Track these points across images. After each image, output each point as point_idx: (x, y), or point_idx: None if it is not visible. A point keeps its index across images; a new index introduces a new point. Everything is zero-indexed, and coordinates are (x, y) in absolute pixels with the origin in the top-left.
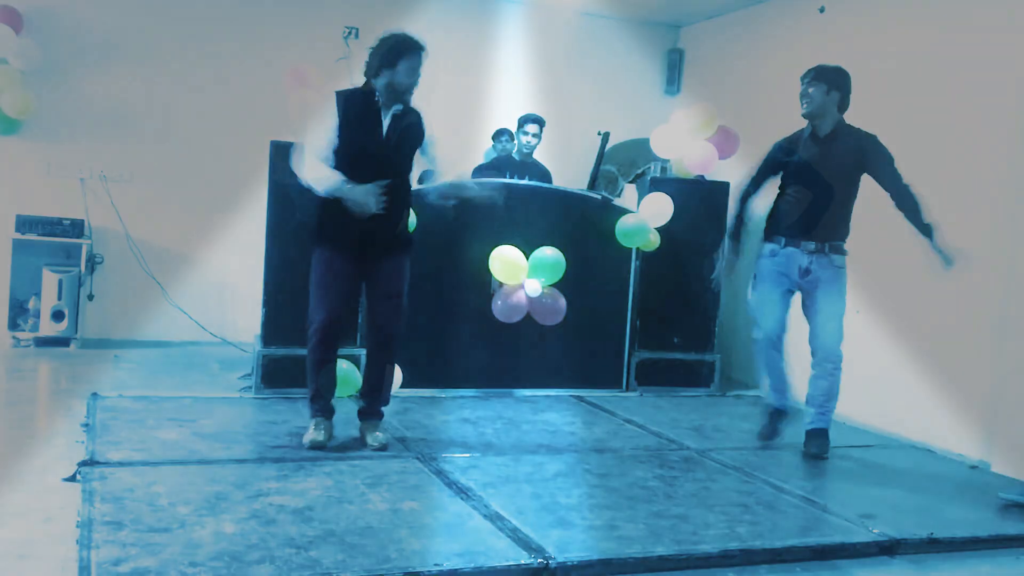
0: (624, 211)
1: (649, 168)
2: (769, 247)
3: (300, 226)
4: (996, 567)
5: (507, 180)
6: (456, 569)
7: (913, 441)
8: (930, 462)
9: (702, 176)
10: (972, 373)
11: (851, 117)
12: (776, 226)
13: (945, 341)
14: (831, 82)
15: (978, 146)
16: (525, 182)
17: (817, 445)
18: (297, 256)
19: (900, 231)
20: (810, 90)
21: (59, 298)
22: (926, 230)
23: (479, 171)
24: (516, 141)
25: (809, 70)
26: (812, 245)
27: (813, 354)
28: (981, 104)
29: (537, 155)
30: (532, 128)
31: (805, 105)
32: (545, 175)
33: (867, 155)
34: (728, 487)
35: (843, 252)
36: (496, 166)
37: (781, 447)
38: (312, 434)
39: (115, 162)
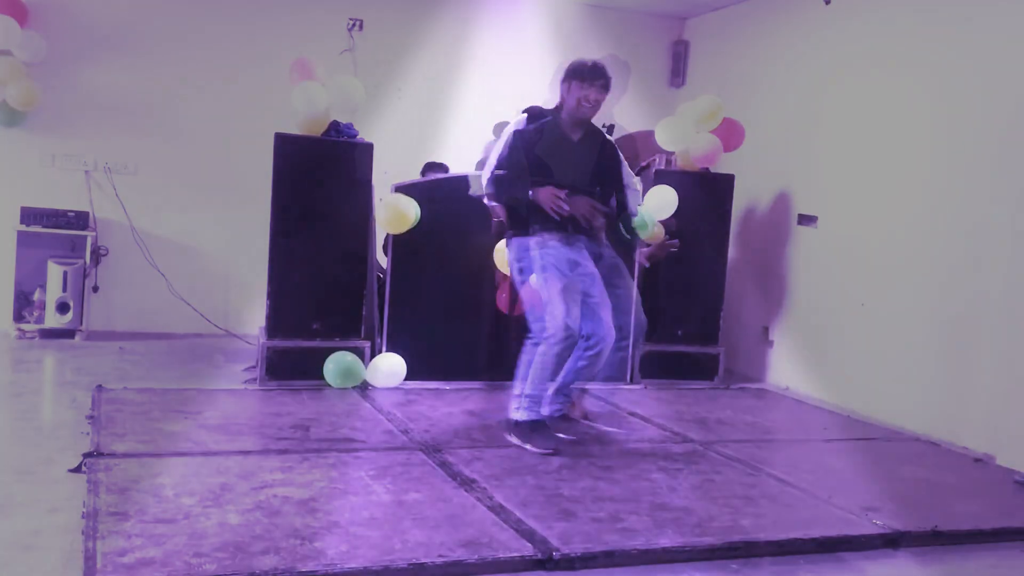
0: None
1: (654, 160)
2: (551, 235)
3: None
4: (1000, 560)
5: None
6: (460, 560)
7: (917, 434)
8: (934, 455)
9: (707, 168)
10: (977, 366)
11: (857, 110)
12: (548, 217)
13: (950, 334)
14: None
15: (985, 139)
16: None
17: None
18: (301, 249)
19: (904, 226)
20: (603, 98)
21: (64, 290)
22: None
23: (481, 165)
24: None
25: (602, 75)
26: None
27: (613, 337)
28: (988, 97)
29: None
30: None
31: (589, 111)
32: None
33: (609, 151)
34: (732, 479)
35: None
36: None
37: (788, 440)
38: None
39: (120, 154)
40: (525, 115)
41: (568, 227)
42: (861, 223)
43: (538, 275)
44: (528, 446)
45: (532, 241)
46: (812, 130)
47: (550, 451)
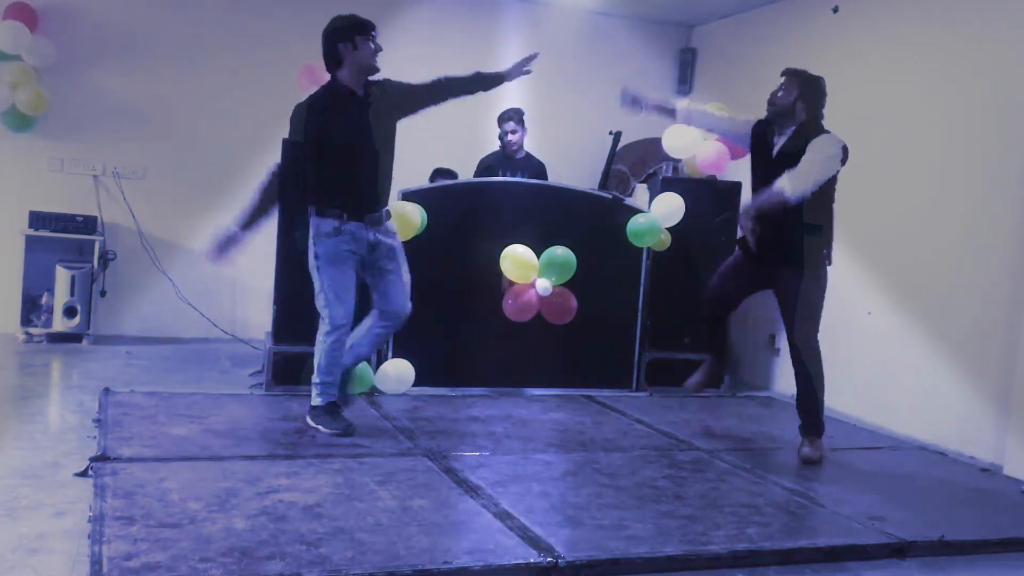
0: (635, 211)
1: (661, 168)
2: (329, 224)
3: None
4: (1007, 570)
5: (500, 179)
6: (465, 567)
7: (925, 443)
8: (942, 464)
9: (714, 176)
10: (984, 375)
11: (864, 118)
12: (330, 199)
13: (957, 343)
14: None
15: (993, 148)
16: (534, 181)
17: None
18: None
19: (911, 233)
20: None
21: (71, 294)
22: None
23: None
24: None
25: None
26: (375, 216)
27: (391, 318)
28: (996, 104)
29: (547, 155)
30: (508, 126)
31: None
32: (539, 170)
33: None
34: (738, 488)
35: (389, 216)
36: (488, 164)
37: (794, 449)
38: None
39: (128, 159)
40: None
41: (344, 215)
42: (868, 231)
43: (325, 265)
44: (321, 428)
45: (324, 225)
46: None
47: (339, 431)
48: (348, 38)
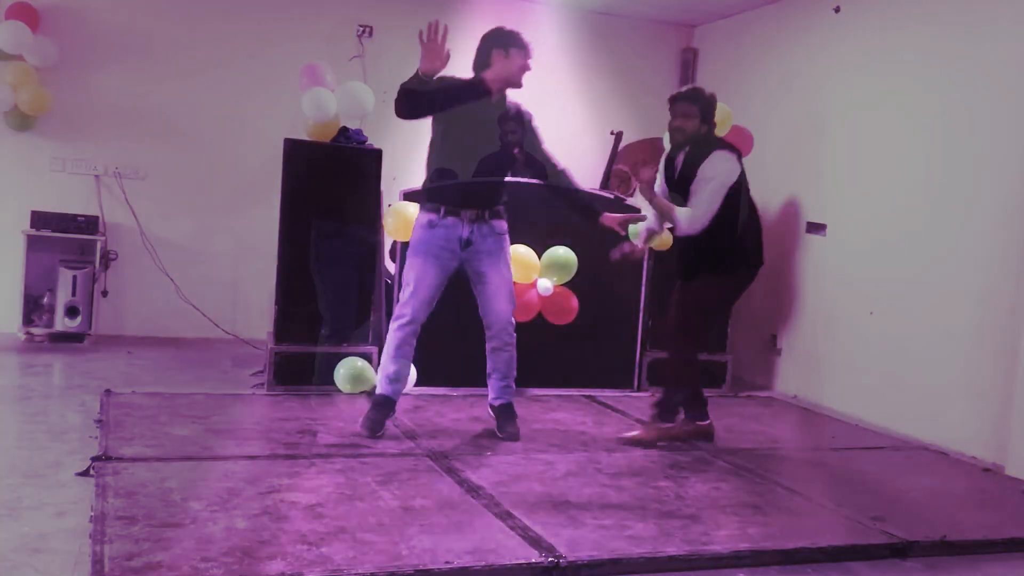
0: (636, 210)
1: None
2: (427, 217)
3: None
4: (1009, 570)
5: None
6: (467, 567)
7: (926, 443)
8: (943, 464)
9: None
10: (986, 375)
11: (867, 117)
12: (434, 193)
13: (958, 343)
14: None
15: (994, 147)
16: (534, 181)
17: (510, 421)
18: (309, 255)
19: (912, 232)
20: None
21: (73, 294)
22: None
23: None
24: None
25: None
26: (472, 213)
27: (488, 328)
28: (997, 103)
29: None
30: (508, 126)
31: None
32: (539, 172)
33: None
34: (739, 488)
35: (502, 217)
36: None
37: (795, 449)
38: None
39: (130, 159)
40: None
41: (440, 209)
42: (870, 231)
43: (410, 254)
44: (360, 420)
45: (423, 218)
46: (821, 138)
47: (365, 433)
48: (503, 46)
